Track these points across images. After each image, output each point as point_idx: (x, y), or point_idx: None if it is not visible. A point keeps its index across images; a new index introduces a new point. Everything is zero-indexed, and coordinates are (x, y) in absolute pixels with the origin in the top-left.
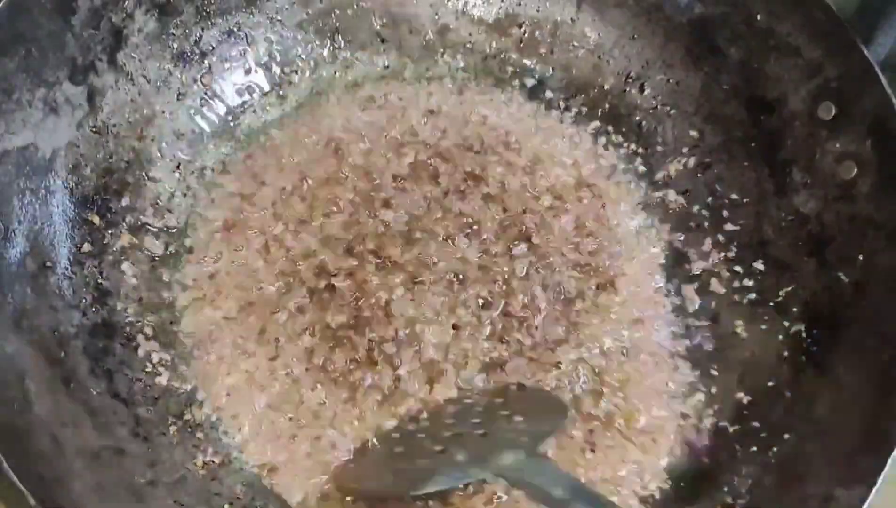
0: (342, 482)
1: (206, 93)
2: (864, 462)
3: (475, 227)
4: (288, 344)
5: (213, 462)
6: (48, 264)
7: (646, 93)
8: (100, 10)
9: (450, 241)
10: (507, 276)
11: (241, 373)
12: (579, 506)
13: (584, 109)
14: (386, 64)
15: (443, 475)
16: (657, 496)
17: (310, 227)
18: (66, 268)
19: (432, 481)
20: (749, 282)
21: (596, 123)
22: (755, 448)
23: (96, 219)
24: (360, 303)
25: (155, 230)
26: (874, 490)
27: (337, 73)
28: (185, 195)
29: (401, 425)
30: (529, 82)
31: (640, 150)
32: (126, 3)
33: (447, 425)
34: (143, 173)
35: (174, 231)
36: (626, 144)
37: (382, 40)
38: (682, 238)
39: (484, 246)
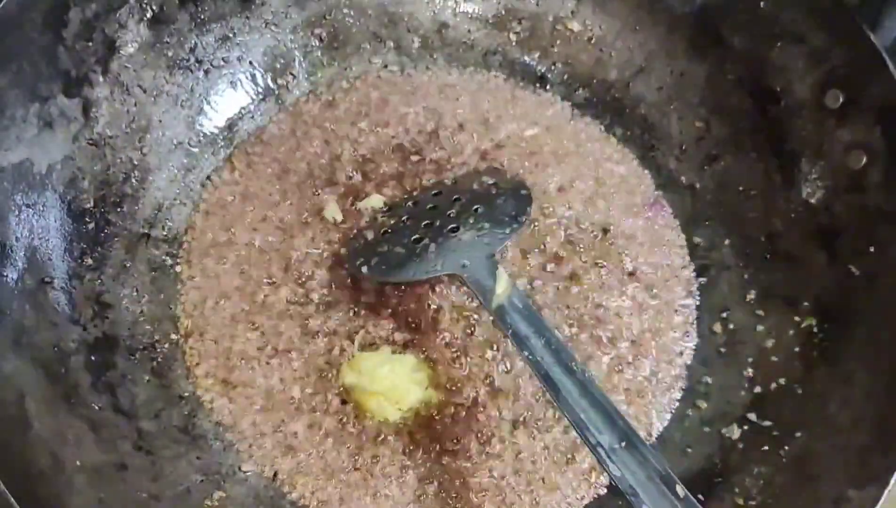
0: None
1: (202, 101)
2: (877, 461)
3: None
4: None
5: (216, 473)
6: (47, 279)
7: (650, 85)
8: (92, 22)
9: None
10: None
11: (245, 383)
12: (513, 316)
13: (588, 103)
14: (385, 64)
15: (414, 266)
16: None
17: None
18: (66, 283)
19: (404, 270)
20: (758, 276)
21: (600, 117)
22: (766, 448)
23: (95, 232)
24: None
25: (155, 240)
26: (886, 491)
27: (335, 75)
28: (184, 204)
29: (391, 204)
30: (531, 77)
31: (646, 143)
32: (119, 13)
33: (427, 211)
34: (142, 184)
35: (174, 240)
36: (631, 137)
37: (380, 40)
38: (689, 231)
39: None
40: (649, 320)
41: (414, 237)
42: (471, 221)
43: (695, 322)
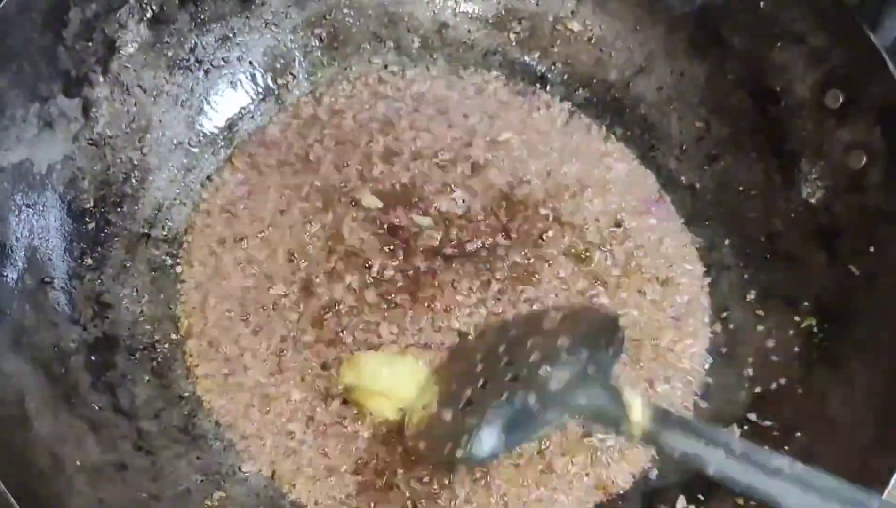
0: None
1: (202, 101)
2: (877, 461)
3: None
4: (294, 353)
5: (216, 473)
6: (47, 279)
7: (650, 85)
8: (92, 22)
9: None
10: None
11: (245, 383)
12: (667, 433)
13: (588, 103)
14: (385, 64)
15: (519, 429)
16: None
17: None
18: (66, 283)
19: (507, 436)
20: (758, 276)
21: (600, 117)
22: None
23: (95, 232)
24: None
25: (155, 240)
26: (886, 492)
27: (335, 76)
28: (184, 204)
29: (454, 370)
30: (531, 78)
31: (646, 143)
32: (119, 13)
33: (504, 368)
34: (142, 184)
35: (174, 240)
36: (631, 137)
37: (380, 40)
38: (689, 231)
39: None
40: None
41: (504, 395)
42: (563, 356)
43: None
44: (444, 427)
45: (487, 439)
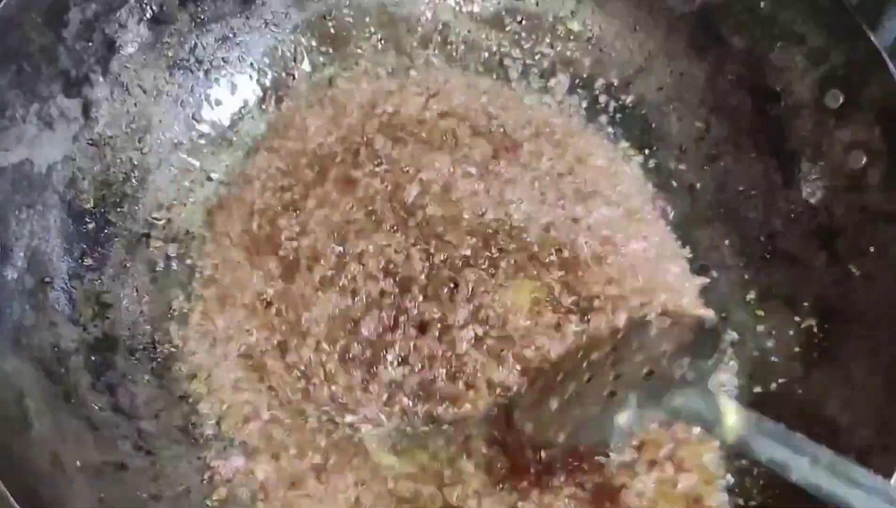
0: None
1: (203, 101)
2: (877, 461)
3: None
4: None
5: (217, 473)
6: (47, 280)
7: (650, 85)
8: (92, 22)
9: None
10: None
11: (246, 384)
12: (758, 439)
13: (588, 103)
14: (385, 64)
15: (617, 420)
16: None
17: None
18: (66, 283)
19: (609, 428)
20: (758, 276)
21: (600, 117)
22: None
23: (95, 232)
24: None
25: (155, 240)
26: None
27: (335, 76)
28: (185, 204)
29: (564, 366)
30: (531, 77)
31: (646, 143)
32: (119, 13)
33: (610, 367)
34: (142, 184)
35: (175, 240)
36: (631, 137)
37: (380, 40)
38: (689, 231)
39: None
40: None
41: (607, 391)
42: (664, 363)
43: None
44: (549, 414)
45: (587, 429)
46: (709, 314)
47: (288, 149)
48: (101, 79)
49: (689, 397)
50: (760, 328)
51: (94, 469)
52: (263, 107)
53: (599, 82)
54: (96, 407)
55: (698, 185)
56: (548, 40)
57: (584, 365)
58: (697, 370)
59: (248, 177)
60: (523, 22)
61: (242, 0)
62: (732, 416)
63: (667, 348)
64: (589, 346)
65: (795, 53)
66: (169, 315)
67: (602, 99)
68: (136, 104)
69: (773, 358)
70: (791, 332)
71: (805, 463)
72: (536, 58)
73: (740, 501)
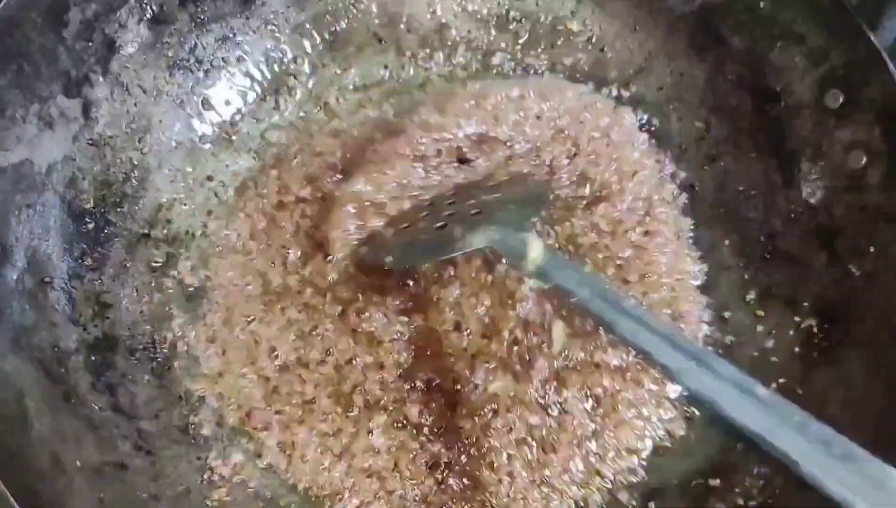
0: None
1: (202, 102)
2: None
3: None
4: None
5: (218, 473)
6: (46, 280)
7: (650, 85)
8: (92, 22)
9: None
10: None
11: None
12: (553, 274)
13: None
14: (385, 64)
15: (442, 247)
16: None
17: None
18: (66, 283)
19: (433, 252)
20: (758, 276)
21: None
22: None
23: (95, 232)
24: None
25: (155, 240)
26: None
27: (335, 76)
28: (184, 204)
29: (407, 212)
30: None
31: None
32: (119, 13)
33: (447, 206)
34: (142, 184)
35: (174, 240)
36: None
37: (380, 40)
38: (689, 232)
39: None
40: None
41: (438, 225)
42: (494, 207)
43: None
44: (382, 240)
45: (410, 252)
46: (541, 183)
47: None
48: (101, 79)
49: (503, 233)
50: (760, 328)
51: (94, 469)
52: (264, 107)
53: (599, 82)
54: (96, 407)
55: (698, 185)
56: (548, 40)
57: (426, 206)
58: (519, 214)
59: None
60: (524, 22)
61: (242, 0)
62: (536, 250)
63: (498, 197)
64: (437, 195)
65: (795, 53)
66: (169, 315)
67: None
68: (136, 104)
69: (773, 358)
70: (791, 332)
71: (586, 292)
72: (537, 58)
73: (740, 501)
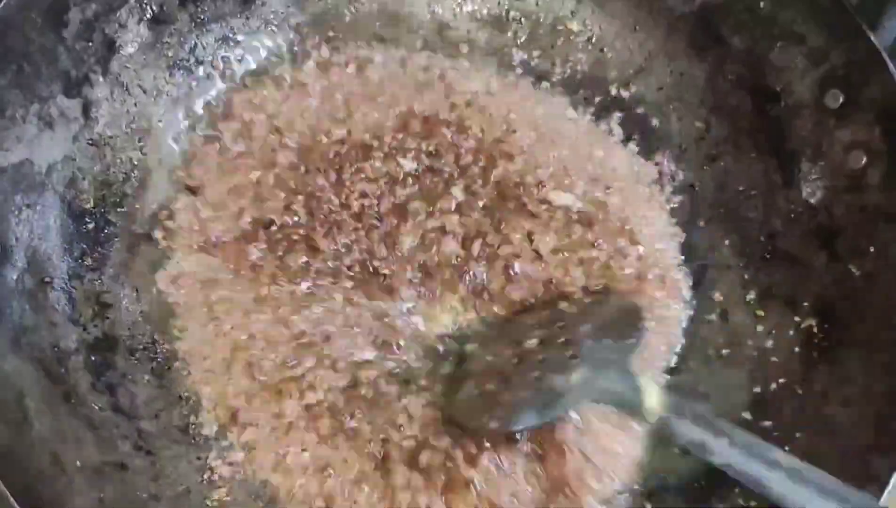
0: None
1: (203, 101)
2: (877, 461)
3: None
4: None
5: (218, 473)
6: (46, 280)
7: (650, 85)
8: (92, 22)
9: None
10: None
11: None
12: (678, 421)
13: (588, 103)
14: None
15: (549, 406)
16: None
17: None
18: (66, 283)
19: (538, 414)
20: (758, 276)
21: (600, 117)
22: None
23: (95, 232)
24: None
25: (155, 240)
26: (886, 491)
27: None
28: (185, 205)
29: (478, 352)
30: (531, 77)
31: (646, 143)
32: (119, 13)
33: (538, 348)
34: (142, 184)
35: (175, 240)
36: (631, 137)
37: (380, 40)
38: (689, 231)
39: None
40: None
41: (534, 375)
42: (589, 346)
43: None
44: (481, 400)
45: (520, 414)
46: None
47: None
48: (101, 79)
49: (611, 381)
50: (760, 328)
51: (94, 469)
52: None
53: (599, 82)
54: (96, 407)
55: (698, 185)
56: (548, 40)
57: (511, 350)
58: (619, 351)
59: None
60: (524, 22)
61: (242, 0)
62: (653, 398)
63: (586, 330)
64: (514, 329)
65: (795, 53)
66: (169, 315)
67: (602, 99)
68: (136, 104)
69: (773, 358)
70: (791, 332)
71: (724, 445)
72: (537, 57)
73: (740, 501)
